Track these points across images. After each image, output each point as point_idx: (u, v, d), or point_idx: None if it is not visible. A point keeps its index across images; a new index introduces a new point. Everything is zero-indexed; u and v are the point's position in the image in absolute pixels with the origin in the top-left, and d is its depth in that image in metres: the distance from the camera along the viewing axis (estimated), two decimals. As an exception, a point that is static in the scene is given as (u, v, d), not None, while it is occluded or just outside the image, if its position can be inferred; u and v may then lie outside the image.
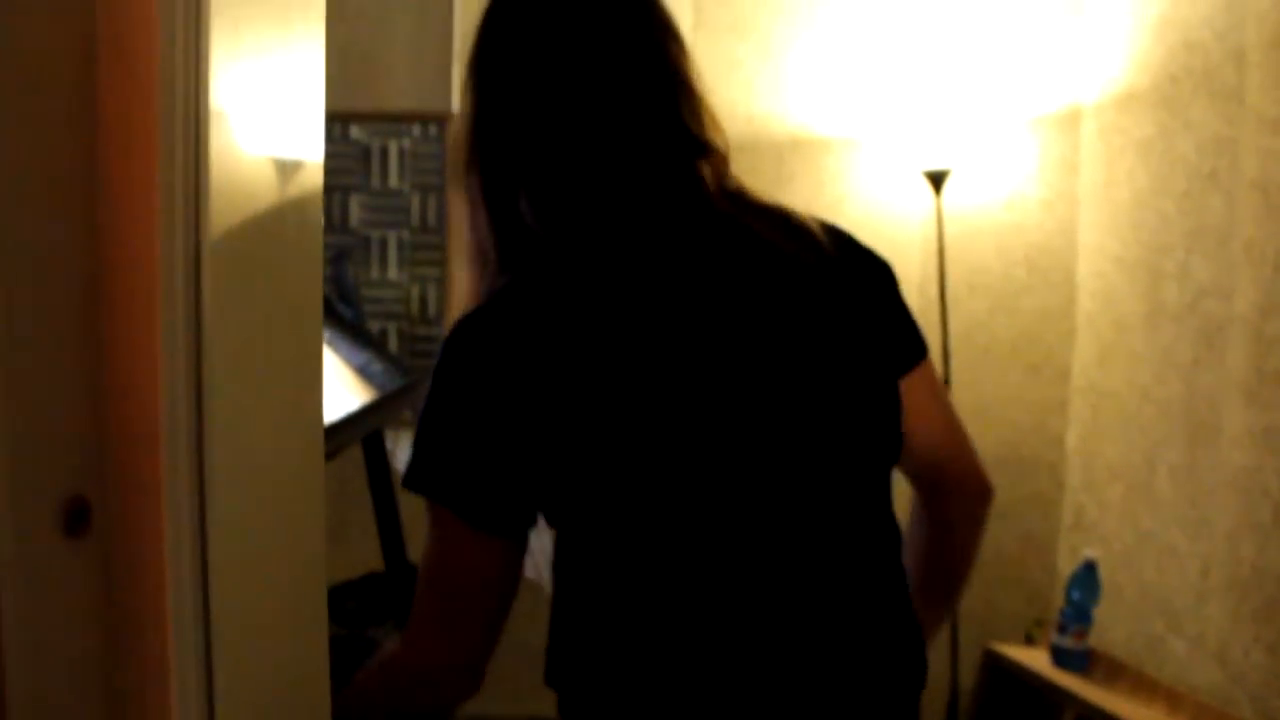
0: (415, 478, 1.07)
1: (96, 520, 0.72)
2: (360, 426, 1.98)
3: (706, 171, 1.09)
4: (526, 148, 1.08)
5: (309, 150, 0.94)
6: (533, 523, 1.09)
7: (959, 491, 1.28)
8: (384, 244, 3.35)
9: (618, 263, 1.05)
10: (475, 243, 1.11)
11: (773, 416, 1.05)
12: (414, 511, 2.92)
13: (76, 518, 0.71)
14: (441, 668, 1.10)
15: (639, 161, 1.08)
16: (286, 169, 0.90)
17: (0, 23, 0.66)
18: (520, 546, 1.08)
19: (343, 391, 2.03)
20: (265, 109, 0.87)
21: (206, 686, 0.74)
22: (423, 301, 3.34)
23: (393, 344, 3.34)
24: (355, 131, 3.31)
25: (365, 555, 2.99)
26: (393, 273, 3.34)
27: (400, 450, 3.34)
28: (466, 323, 1.06)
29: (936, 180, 2.93)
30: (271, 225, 0.87)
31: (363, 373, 2.29)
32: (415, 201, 3.31)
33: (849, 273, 1.14)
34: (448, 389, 1.05)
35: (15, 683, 0.68)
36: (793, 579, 1.06)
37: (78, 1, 0.70)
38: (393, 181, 3.32)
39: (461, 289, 1.19)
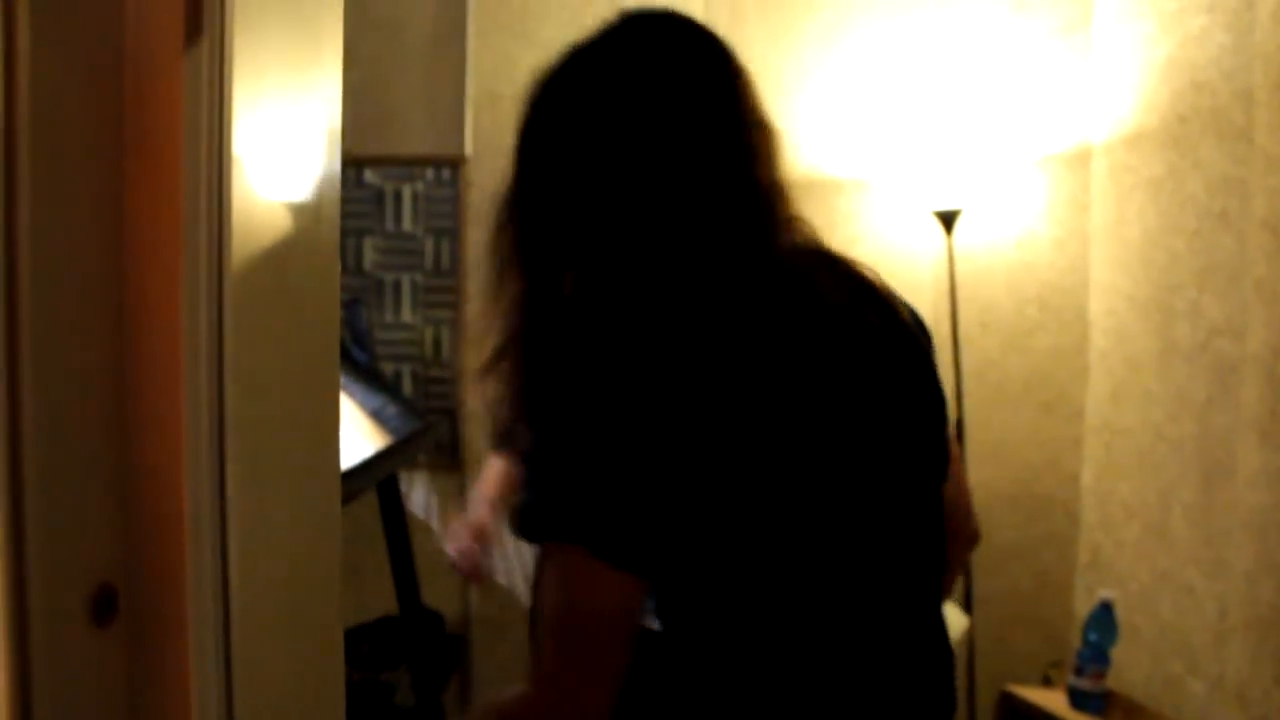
0: (549, 522, 1.00)
1: (123, 607, 0.72)
2: (376, 471, 1.99)
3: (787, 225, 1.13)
4: (588, 217, 1.07)
5: (328, 236, 0.96)
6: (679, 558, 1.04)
7: (957, 536, 1.31)
8: (398, 286, 3.36)
9: (742, 313, 1.04)
10: (498, 302, 1.10)
11: (898, 474, 1.12)
12: (428, 555, 2.93)
13: (104, 605, 0.71)
14: (583, 713, 1.01)
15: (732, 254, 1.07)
16: (307, 252, 0.92)
17: (40, 118, 0.67)
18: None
19: (358, 437, 2.04)
20: (285, 177, 0.88)
21: None
22: (436, 343, 3.35)
23: (407, 386, 3.35)
24: (369, 175, 3.34)
25: (380, 599, 2.99)
26: (406, 315, 3.35)
27: (414, 492, 3.34)
28: (595, 366, 1.01)
29: (947, 220, 2.94)
30: (291, 303, 0.88)
31: (377, 417, 2.30)
32: (429, 244, 3.33)
33: (922, 339, 1.23)
34: (584, 427, 1.00)
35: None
36: (908, 626, 1.14)
37: (108, 97, 0.72)
38: (406, 225, 3.34)
39: (475, 337, 1.19)
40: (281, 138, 0.87)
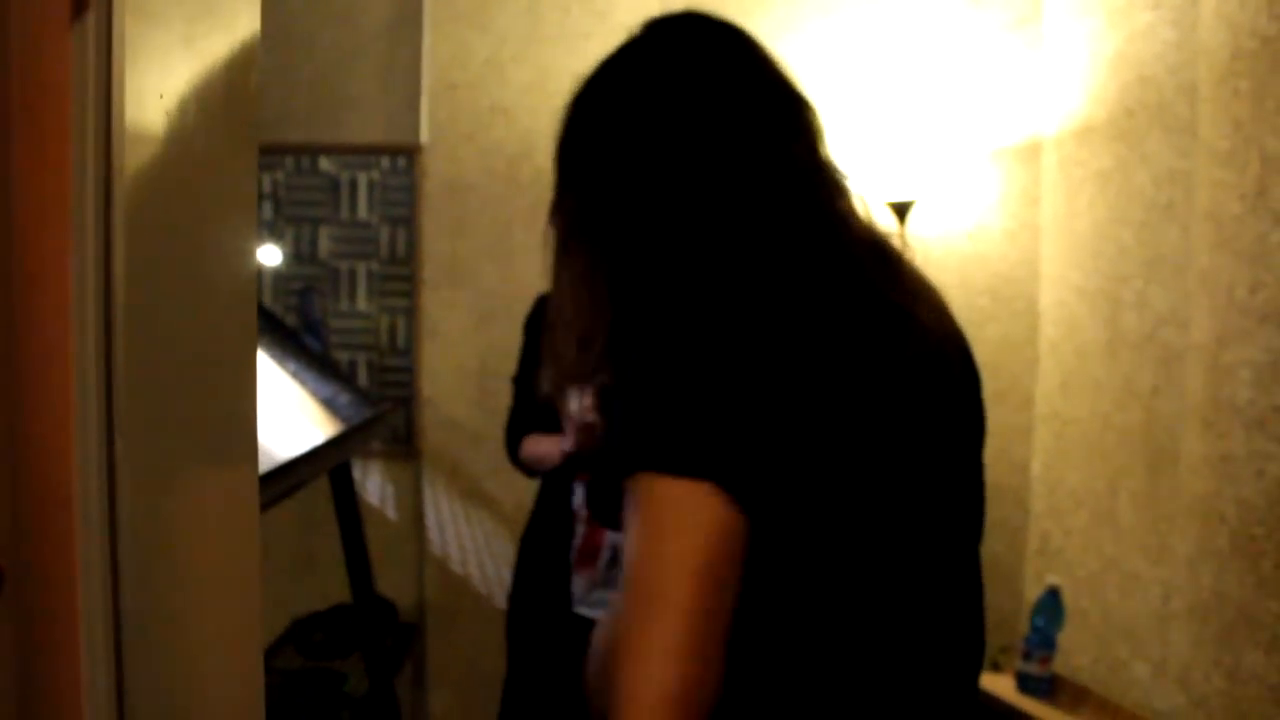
0: (679, 457, 0.88)
1: (9, 585, 0.71)
2: (327, 459, 1.98)
3: (855, 213, 1.11)
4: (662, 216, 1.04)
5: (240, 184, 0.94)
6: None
7: None
8: (353, 275, 3.34)
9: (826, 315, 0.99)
10: (580, 311, 1.07)
11: (955, 491, 1.06)
12: (382, 543, 2.91)
13: None
14: (708, 686, 0.87)
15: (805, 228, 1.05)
16: (216, 238, 0.90)
17: None
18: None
19: (309, 424, 2.03)
20: (189, 166, 0.87)
21: None
22: (392, 332, 3.34)
23: (362, 375, 3.33)
24: (324, 163, 3.32)
25: (334, 587, 2.98)
26: (362, 304, 3.33)
27: (368, 480, 3.33)
28: (705, 321, 0.94)
29: (901, 211, 2.97)
30: (193, 281, 0.87)
31: (330, 405, 2.29)
32: (384, 233, 3.31)
33: (968, 352, 1.16)
34: (705, 373, 0.91)
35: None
36: (952, 644, 1.06)
37: None
38: (362, 213, 3.32)
39: (560, 355, 1.10)
40: (181, 115, 0.84)
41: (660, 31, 1.13)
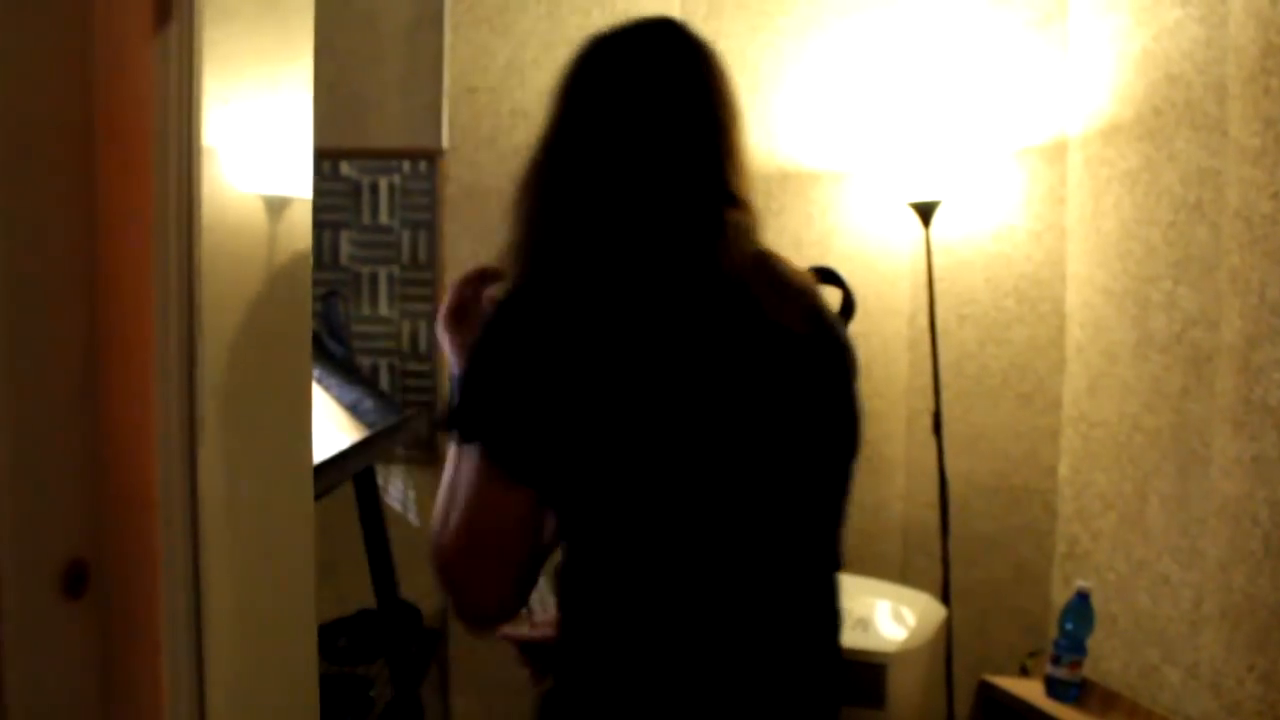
0: (463, 422, 1.16)
1: (94, 582, 0.73)
2: (351, 464, 1.97)
3: (734, 220, 1.24)
4: (588, 176, 1.24)
5: (300, 231, 0.95)
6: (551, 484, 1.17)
7: None
8: (375, 280, 3.35)
9: (640, 287, 1.18)
10: (516, 239, 1.28)
11: (732, 465, 1.20)
12: (404, 549, 2.91)
13: (76, 580, 0.72)
14: (477, 602, 1.17)
15: (681, 198, 1.23)
16: (278, 242, 0.91)
17: (9, 101, 0.67)
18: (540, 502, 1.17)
19: (334, 429, 2.03)
20: (256, 168, 0.88)
21: None
22: (414, 337, 3.34)
23: (384, 380, 3.34)
24: (345, 168, 3.32)
25: (357, 592, 2.98)
26: (384, 309, 3.34)
27: (391, 486, 3.33)
28: (517, 301, 1.19)
29: (925, 212, 2.95)
30: (263, 296, 0.88)
31: (354, 410, 2.29)
32: (406, 237, 3.31)
33: (824, 354, 1.27)
34: (496, 352, 1.16)
35: (18, 735, 0.69)
36: (735, 597, 1.22)
37: (75, 81, 0.72)
38: (383, 217, 3.32)
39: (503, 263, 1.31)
40: (252, 123, 0.87)
41: (629, 34, 1.30)
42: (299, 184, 0.97)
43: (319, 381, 2.21)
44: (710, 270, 1.20)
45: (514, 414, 1.15)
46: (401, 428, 2.34)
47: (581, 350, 1.15)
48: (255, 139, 0.86)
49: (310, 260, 1.02)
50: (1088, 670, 2.69)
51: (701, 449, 1.18)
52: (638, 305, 1.17)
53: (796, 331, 1.23)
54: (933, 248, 2.98)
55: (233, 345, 0.82)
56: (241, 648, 0.84)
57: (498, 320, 1.18)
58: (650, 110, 1.24)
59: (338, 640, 2.98)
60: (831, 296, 1.57)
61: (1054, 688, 2.67)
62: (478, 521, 1.15)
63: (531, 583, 1.21)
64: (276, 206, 0.92)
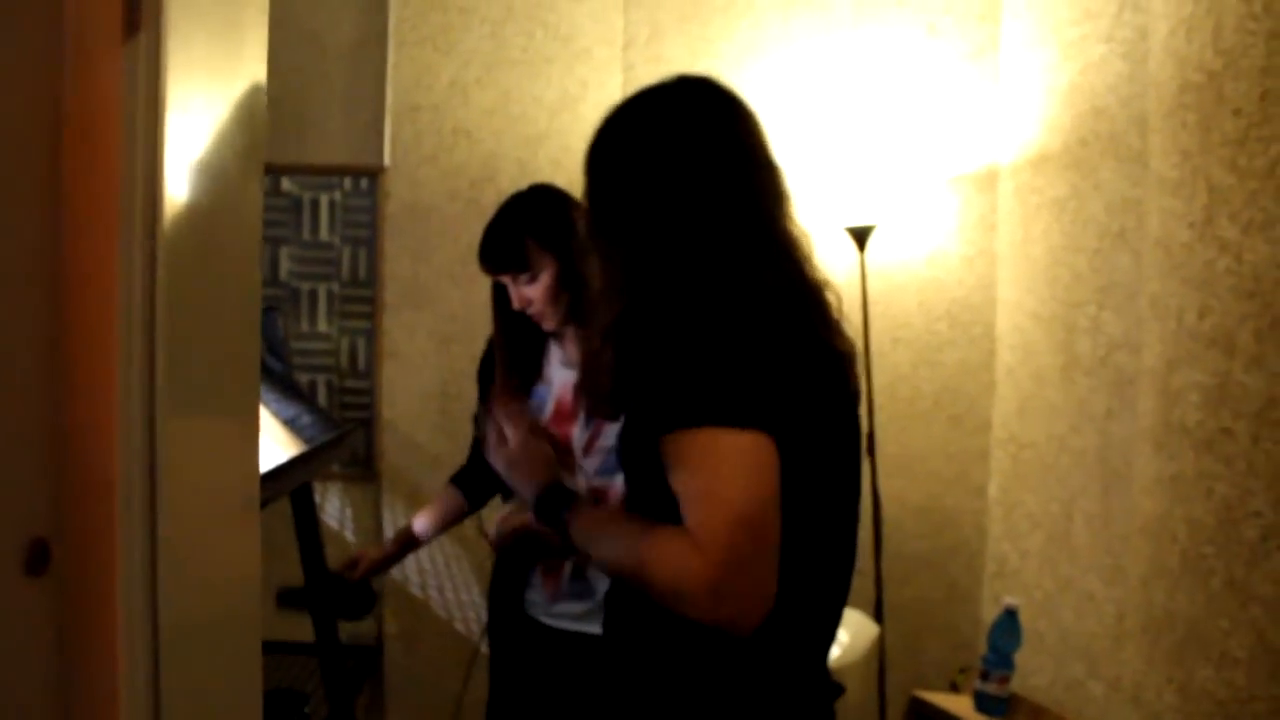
0: (735, 412, 1.18)
1: (55, 560, 0.76)
2: (290, 478, 1.97)
3: (808, 250, 1.43)
4: (691, 216, 1.34)
5: (252, 216, 0.98)
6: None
7: None
8: (314, 296, 3.33)
9: (779, 299, 1.31)
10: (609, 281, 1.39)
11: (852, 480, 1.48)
12: (340, 566, 2.88)
13: (37, 557, 0.75)
14: (749, 608, 1.17)
15: (772, 232, 1.40)
16: (233, 236, 0.93)
17: None
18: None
19: (272, 444, 2.02)
20: (212, 174, 0.90)
21: (154, 709, 0.78)
22: (352, 354, 3.33)
23: (322, 397, 3.32)
24: (286, 183, 3.31)
25: (291, 617, 2.95)
26: (322, 325, 3.32)
27: (327, 503, 3.31)
28: (699, 309, 1.26)
29: (860, 236, 3.01)
30: (216, 284, 0.91)
31: (292, 425, 2.29)
32: (346, 254, 3.31)
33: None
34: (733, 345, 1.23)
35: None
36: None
37: (46, 86, 0.74)
38: (323, 234, 3.31)
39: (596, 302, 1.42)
40: (210, 131, 0.89)
41: (683, 88, 1.42)
42: (251, 193, 0.99)
43: (257, 396, 2.21)
44: (811, 291, 1.38)
45: (770, 390, 1.22)
46: (342, 442, 2.33)
47: (785, 339, 1.27)
48: (212, 147, 0.88)
49: (259, 261, 1.05)
50: (1016, 685, 2.75)
51: (852, 449, 1.44)
52: (792, 312, 1.31)
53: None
54: (867, 272, 3.05)
55: (189, 339, 0.85)
56: (194, 627, 0.87)
57: (703, 324, 1.24)
58: (733, 156, 1.38)
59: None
60: None
61: (983, 703, 2.72)
62: (749, 515, 1.15)
63: None
64: (230, 210, 0.95)
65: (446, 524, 2.45)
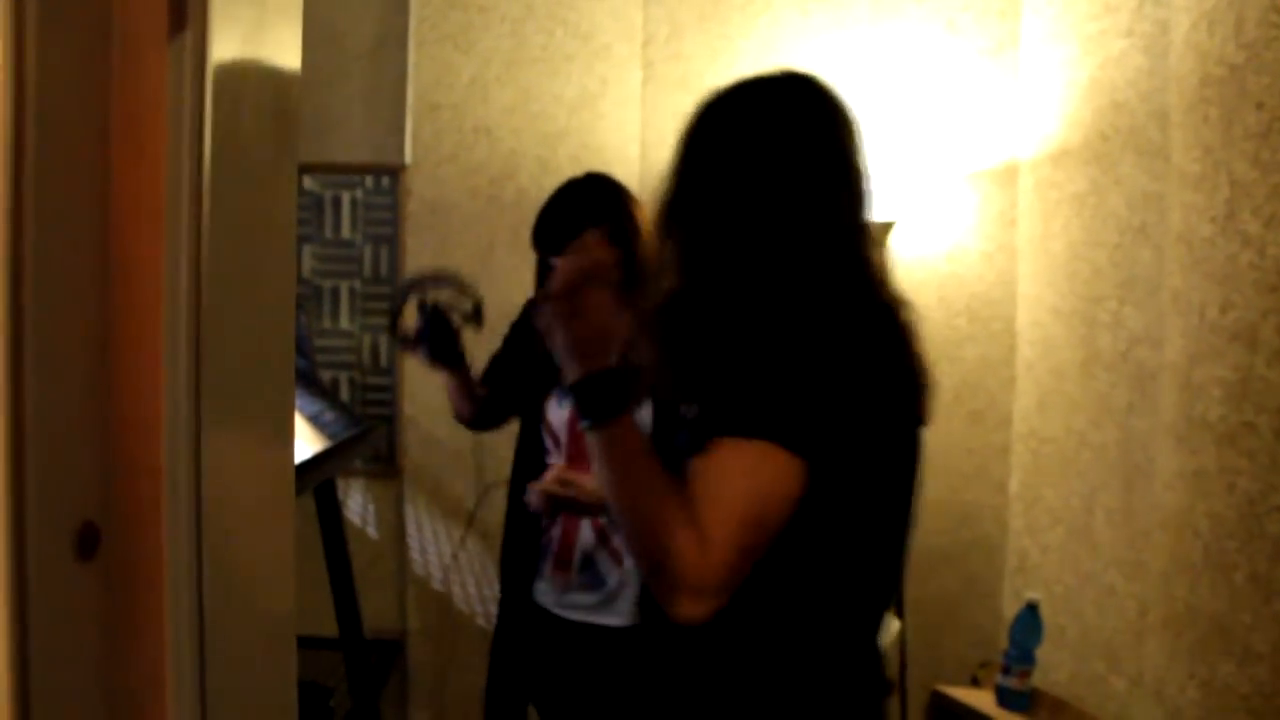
0: (796, 436, 1.19)
1: (105, 544, 0.78)
2: (313, 475, 1.99)
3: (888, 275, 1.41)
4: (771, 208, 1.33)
5: (288, 218, 1.01)
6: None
7: None
8: (336, 294, 3.36)
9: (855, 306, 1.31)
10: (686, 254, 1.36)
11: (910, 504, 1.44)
12: (363, 562, 2.90)
13: (88, 541, 0.77)
14: (726, 585, 1.18)
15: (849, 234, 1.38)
16: (271, 233, 0.96)
17: (43, 100, 0.72)
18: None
19: (296, 440, 2.04)
20: (252, 171, 0.92)
21: (199, 689, 0.81)
22: (374, 351, 3.35)
23: (344, 393, 3.35)
24: (308, 182, 3.34)
25: (308, 604, 2.97)
26: (344, 322, 3.35)
27: (350, 499, 3.34)
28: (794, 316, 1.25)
29: (880, 232, 3.01)
30: (255, 278, 0.93)
31: (315, 421, 2.31)
32: (368, 252, 3.33)
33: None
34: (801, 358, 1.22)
35: (37, 683, 0.75)
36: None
37: (94, 84, 0.76)
38: (345, 232, 3.34)
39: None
40: (249, 129, 0.92)
41: (793, 85, 1.41)
42: (287, 189, 1.01)
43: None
44: (895, 310, 1.35)
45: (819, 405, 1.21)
46: (365, 438, 2.35)
47: (873, 366, 1.27)
48: (251, 143, 0.91)
49: (294, 257, 1.08)
50: (1037, 680, 2.75)
51: (909, 475, 1.40)
52: (881, 335, 1.31)
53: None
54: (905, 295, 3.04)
55: (230, 331, 0.88)
56: (235, 613, 0.91)
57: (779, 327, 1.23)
58: (822, 152, 1.37)
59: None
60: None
61: (1005, 698, 2.73)
62: (756, 544, 1.18)
63: None
64: (268, 207, 0.97)
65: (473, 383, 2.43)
